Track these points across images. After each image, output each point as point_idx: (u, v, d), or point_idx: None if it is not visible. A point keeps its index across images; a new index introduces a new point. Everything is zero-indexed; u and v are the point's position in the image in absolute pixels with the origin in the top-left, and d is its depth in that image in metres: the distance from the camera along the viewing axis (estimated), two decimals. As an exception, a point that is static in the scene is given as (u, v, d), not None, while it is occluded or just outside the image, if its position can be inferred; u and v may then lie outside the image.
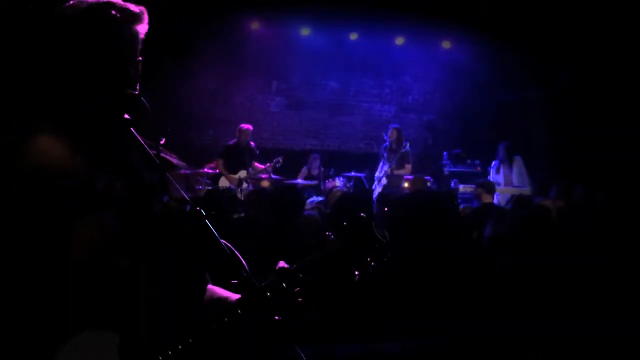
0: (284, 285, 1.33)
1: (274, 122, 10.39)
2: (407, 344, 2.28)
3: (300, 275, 1.35)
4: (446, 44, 10.45)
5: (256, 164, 8.19)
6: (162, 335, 1.26)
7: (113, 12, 1.31)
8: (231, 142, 8.24)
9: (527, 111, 9.25)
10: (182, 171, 7.12)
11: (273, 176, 8.01)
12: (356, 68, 10.61)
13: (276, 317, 1.26)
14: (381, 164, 8.45)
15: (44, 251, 1.18)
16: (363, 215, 1.43)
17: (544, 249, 3.01)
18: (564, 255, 2.94)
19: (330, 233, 1.41)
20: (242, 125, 8.31)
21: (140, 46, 1.38)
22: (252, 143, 8.32)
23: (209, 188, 7.35)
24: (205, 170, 7.83)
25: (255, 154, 8.30)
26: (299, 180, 8.68)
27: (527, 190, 7.54)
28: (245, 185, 7.89)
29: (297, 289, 1.35)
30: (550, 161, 8.33)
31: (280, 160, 7.97)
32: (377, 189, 8.20)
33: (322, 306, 2.11)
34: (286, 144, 10.38)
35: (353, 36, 10.18)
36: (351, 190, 8.02)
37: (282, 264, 1.38)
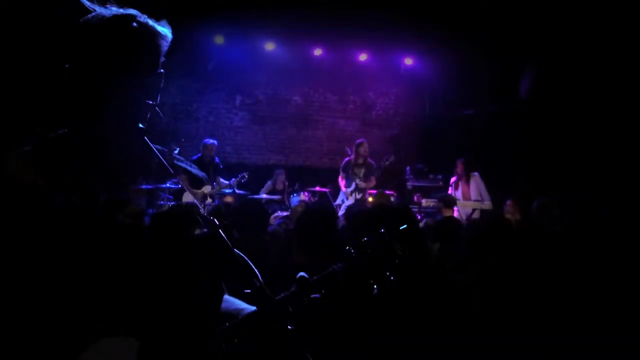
0: (304, 299, 1.36)
1: (238, 137, 10.35)
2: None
3: (321, 289, 1.37)
4: (408, 61, 10.67)
5: (220, 179, 8.13)
6: (180, 343, 1.28)
7: (134, 24, 1.34)
8: (195, 157, 8.16)
9: (488, 125, 9.46)
10: (144, 186, 6.99)
11: (238, 191, 7.95)
12: (320, 83, 10.71)
13: (291, 327, 1.28)
14: (346, 179, 8.49)
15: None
16: (383, 231, 1.45)
17: (510, 261, 3.06)
18: (529, 267, 3.01)
19: (350, 247, 1.43)
20: (206, 140, 8.26)
21: (162, 59, 1.41)
22: (216, 158, 8.26)
23: (172, 203, 7.22)
24: (168, 185, 7.69)
25: (220, 169, 8.24)
26: (263, 195, 8.64)
27: (487, 204, 7.70)
28: (209, 200, 7.80)
29: (315, 296, 1.37)
30: (510, 174, 8.52)
31: (246, 176, 7.93)
32: (350, 204, 8.19)
33: (340, 317, 2.12)
34: (251, 158, 10.36)
35: (317, 52, 10.29)
36: (314, 206, 7.99)
37: (302, 274, 1.40)
